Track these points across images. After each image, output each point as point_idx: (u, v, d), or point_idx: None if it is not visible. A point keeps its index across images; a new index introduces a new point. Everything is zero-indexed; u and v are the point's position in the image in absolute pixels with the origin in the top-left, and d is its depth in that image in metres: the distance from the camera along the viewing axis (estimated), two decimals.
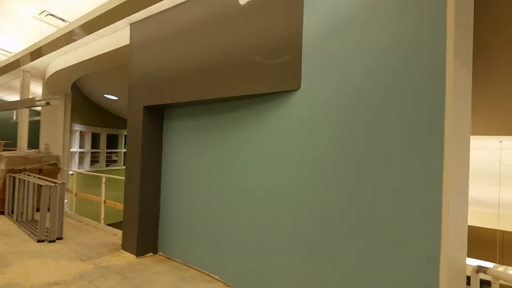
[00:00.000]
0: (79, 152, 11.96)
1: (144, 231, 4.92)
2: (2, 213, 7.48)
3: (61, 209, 5.67)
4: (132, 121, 5.05)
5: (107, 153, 13.67)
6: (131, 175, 5.01)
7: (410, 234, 2.48)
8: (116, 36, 5.57)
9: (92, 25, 4.42)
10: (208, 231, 4.24)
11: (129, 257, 4.86)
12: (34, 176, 7.06)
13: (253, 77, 3.48)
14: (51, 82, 8.63)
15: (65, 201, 9.16)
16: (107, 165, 13.62)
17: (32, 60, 6.37)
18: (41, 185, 5.61)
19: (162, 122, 5.05)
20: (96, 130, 13.02)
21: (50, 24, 5.68)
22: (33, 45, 5.70)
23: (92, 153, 13.12)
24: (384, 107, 2.66)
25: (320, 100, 3.07)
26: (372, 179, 2.71)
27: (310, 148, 3.13)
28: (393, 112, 2.61)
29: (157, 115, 5.00)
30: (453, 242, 2.32)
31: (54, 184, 5.58)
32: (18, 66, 6.79)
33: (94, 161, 13.67)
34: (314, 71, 3.12)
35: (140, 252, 4.88)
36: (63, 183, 5.81)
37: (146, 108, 4.88)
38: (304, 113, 3.19)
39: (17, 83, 10.32)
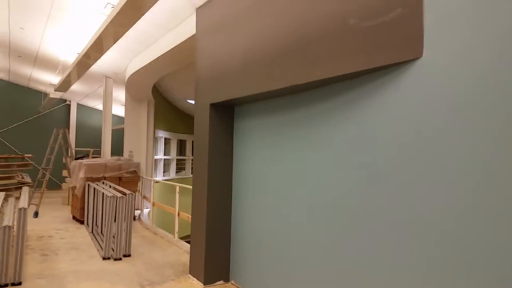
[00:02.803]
0: (164, 159, 12.00)
1: (213, 254, 4.16)
2: (83, 222, 7.48)
3: (129, 223, 5.24)
4: (198, 123, 4.36)
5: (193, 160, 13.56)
6: (197, 187, 4.31)
7: None
8: (184, 27, 4.99)
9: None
10: (293, 258, 3.29)
11: (196, 285, 4.14)
12: (110, 186, 6.88)
13: (345, 51, 2.46)
14: (131, 87, 8.59)
15: (147, 210, 9.06)
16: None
17: (97, 55, 6.06)
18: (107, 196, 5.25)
19: (233, 122, 4.26)
20: (182, 137, 13.01)
21: None
22: (93, 36, 5.38)
23: (177, 160, 13.15)
24: None
25: (459, 74, 1.93)
26: None
27: (454, 151, 1.99)
28: None
29: (226, 114, 4.22)
30: None
31: (121, 195, 5.17)
32: (88, 64, 6.62)
33: (181, 168, 13.73)
34: (447, 28, 1.98)
35: (208, 279, 4.13)
36: (132, 194, 5.39)
37: (213, 106, 4.14)
38: (433, 96, 2.06)
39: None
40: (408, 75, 2.17)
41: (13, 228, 3.99)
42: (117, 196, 5.12)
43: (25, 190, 5.90)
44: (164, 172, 12.17)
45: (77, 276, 4.29)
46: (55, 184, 14.19)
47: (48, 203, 10.51)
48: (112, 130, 12.76)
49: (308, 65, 2.69)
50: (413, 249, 2.14)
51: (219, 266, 4.21)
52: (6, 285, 3.83)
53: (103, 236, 6.07)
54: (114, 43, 5.21)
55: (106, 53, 7.39)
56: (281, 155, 3.44)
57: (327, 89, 2.87)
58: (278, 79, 3.04)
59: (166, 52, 5.63)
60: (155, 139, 10.88)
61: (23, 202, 4.50)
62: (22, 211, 4.03)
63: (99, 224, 6.42)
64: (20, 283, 3.92)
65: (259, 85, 3.30)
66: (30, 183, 10.53)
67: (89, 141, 15.54)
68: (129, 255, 5.24)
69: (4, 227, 3.81)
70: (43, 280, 4.14)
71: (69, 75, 7.20)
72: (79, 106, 15.99)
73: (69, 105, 15.67)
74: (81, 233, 6.68)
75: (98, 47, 5.40)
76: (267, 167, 3.65)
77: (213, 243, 4.16)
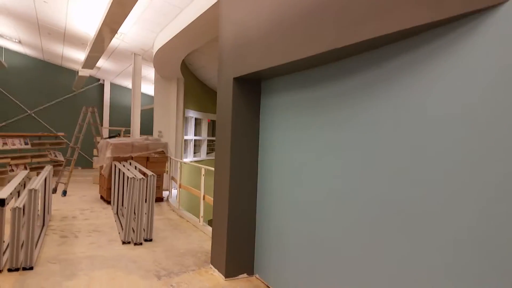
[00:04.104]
0: (194, 140, 11.77)
1: (235, 245, 3.80)
2: (109, 202, 7.38)
3: (150, 206, 4.98)
4: (221, 100, 3.95)
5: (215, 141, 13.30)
6: (220, 170, 3.93)
7: None
8: None
9: None
10: (324, 257, 2.85)
11: (217, 277, 3.81)
12: (135, 167, 6.67)
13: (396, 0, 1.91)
14: (158, 63, 8.29)
15: (174, 190, 8.88)
16: None
17: (117, 24, 5.68)
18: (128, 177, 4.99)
19: (259, 99, 3.81)
20: (213, 117, 12.70)
21: None
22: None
23: (208, 141, 12.91)
24: None
25: None
26: None
27: None
28: None
29: (251, 90, 3.77)
30: None
31: (141, 177, 4.90)
32: (109, 35, 6.28)
33: (213, 148, 13.48)
34: None
35: (230, 272, 3.79)
36: (153, 175, 5.11)
37: (237, 81, 3.69)
38: None
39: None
40: (486, 27, 1.61)
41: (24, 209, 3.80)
42: (137, 178, 4.85)
43: (47, 169, 5.78)
44: (194, 153, 11.97)
45: (92, 262, 4.07)
46: (89, 163, 14.42)
47: (79, 182, 10.62)
48: (143, 109, 12.70)
49: (354, 22, 2.16)
50: (471, 257, 1.63)
51: (242, 258, 3.84)
52: (17, 269, 3.66)
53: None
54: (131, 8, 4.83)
55: (131, 28, 7.10)
56: (314, 135, 2.96)
57: (377, 52, 2.34)
58: (314, 43, 2.53)
59: (192, 22, 5.21)
60: (185, 119, 10.63)
61: (36, 182, 4.31)
62: (33, 193, 3.82)
63: (123, 205, 6.25)
64: (31, 268, 3.75)
65: (290, 52, 2.80)
66: (63, 161, 10.65)
67: (123, 121, 15.62)
68: (151, 240, 5.00)
69: (14, 208, 3.61)
70: (56, 265, 3.95)
71: (93, 49, 6.98)
72: (113, 85, 16.05)
73: (103, 84, 15.76)
74: (106, 214, 6.55)
75: (116, 12, 5.04)
76: (298, 152, 3.18)
77: (236, 233, 3.79)
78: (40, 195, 4.16)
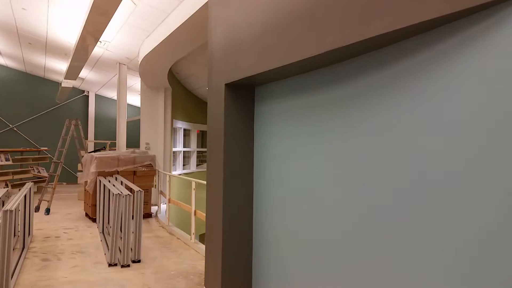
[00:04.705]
0: (183, 151, 11.46)
1: (231, 266, 3.51)
2: (95, 220, 7.03)
3: (137, 225, 4.67)
4: (212, 108, 3.70)
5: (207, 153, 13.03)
6: (212, 186, 3.66)
7: None
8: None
9: None
10: (333, 278, 2.59)
11: None
12: (121, 182, 6.35)
13: None
14: (144, 73, 8.03)
15: (165, 206, 8.55)
16: None
17: (98, 32, 5.40)
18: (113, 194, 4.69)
19: (253, 106, 3.57)
20: (203, 127, 12.41)
21: None
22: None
23: (198, 152, 12.61)
24: None
25: None
26: None
27: None
28: None
29: (245, 97, 3.53)
30: None
31: (127, 193, 4.60)
32: (91, 42, 5.98)
33: (203, 160, 13.13)
34: None
35: None
36: (140, 191, 4.82)
37: (229, 87, 3.44)
38: None
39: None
40: None
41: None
42: (123, 194, 4.55)
43: (26, 186, 5.44)
44: (184, 165, 11.66)
45: None
46: (74, 178, 13.99)
47: (63, 198, 10.22)
48: (130, 121, 12.36)
49: (359, 18, 1.94)
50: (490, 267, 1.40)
51: (239, 280, 3.56)
52: None
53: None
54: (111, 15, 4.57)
55: (115, 35, 6.84)
56: (315, 145, 2.72)
57: (381, 52, 2.11)
58: (314, 43, 2.30)
59: (179, 27, 4.96)
60: (174, 130, 10.33)
61: (13, 202, 3.99)
62: (8, 214, 3.50)
63: (109, 223, 5.92)
64: None
65: (287, 54, 2.57)
66: (46, 176, 10.25)
67: (109, 133, 15.24)
68: (139, 261, 4.69)
69: None
70: None
71: (74, 58, 6.69)
72: (98, 97, 15.70)
73: (87, 96, 15.40)
74: (91, 233, 6.20)
75: (97, 19, 4.78)
76: (297, 160, 2.94)
77: (232, 252, 3.50)
78: (15, 216, 3.83)
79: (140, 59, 7.37)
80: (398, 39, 1.93)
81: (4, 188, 7.27)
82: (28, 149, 12.01)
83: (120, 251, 4.61)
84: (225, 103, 3.42)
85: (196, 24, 4.83)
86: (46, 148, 12.46)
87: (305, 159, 2.81)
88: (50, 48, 9.11)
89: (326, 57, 2.33)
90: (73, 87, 11.96)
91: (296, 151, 2.93)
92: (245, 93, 3.51)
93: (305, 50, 2.35)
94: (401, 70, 1.96)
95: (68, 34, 7.60)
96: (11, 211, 3.53)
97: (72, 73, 8.15)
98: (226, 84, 3.41)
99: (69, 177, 14.11)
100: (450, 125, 1.68)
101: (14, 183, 10.36)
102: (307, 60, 2.41)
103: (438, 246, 1.75)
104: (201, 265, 4.56)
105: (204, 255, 3.86)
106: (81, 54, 6.49)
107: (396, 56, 2.01)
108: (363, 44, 1.99)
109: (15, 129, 13.74)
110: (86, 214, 7.68)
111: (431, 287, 1.78)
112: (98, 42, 6.17)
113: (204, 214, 4.89)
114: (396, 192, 1.99)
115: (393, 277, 2.01)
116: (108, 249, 4.76)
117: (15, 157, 10.78)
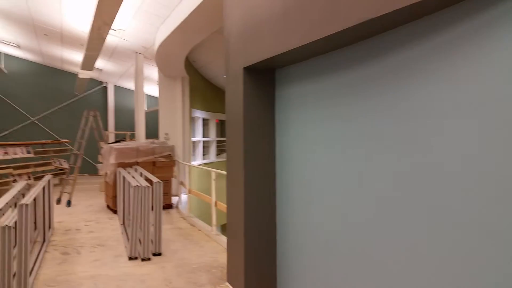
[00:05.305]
0: (203, 141, 11.34)
1: (254, 261, 3.35)
2: (116, 212, 7.00)
3: (158, 217, 4.57)
4: (230, 95, 3.51)
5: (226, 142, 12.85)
6: (232, 174, 3.49)
7: None
8: None
9: None
10: (363, 276, 2.40)
11: None
12: (141, 173, 6.27)
13: None
14: (161, 61, 7.89)
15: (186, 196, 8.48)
16: None
17: (110, 17, 5.24)
18: (132, 185, 4.59)
19: (274, 90, 3.35)
20: (222, 116, 12.25)
21: None
22: None
23: (218, 142, 12.48)
24: None
25: None
26: None
27: None
28: None
29: (264, 80, 3.31)
30: None
31: (146, 184, 4.48)
32: (104, 30, 5.82)
33: (222, 150, 13.01)
34: None
35: None
36: (159, 182, 4.70)
37: (248, 71, 3.24)
38: None
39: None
40: None
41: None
42: (142, 186, 4.44)
43: (45, 179, 5.41)
44: (204, 155, 11.55)
45: (95, 284, 3.68)
46: (96, 170, 14.13)
47: (85, 190, 10.31)
48: (148, 111, 12.33)
49: None
50: None
51: (263, 276, 3.39)
52: None
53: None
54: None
55: (130, 22, 6.69)
56: (343, 131, 2.50)
57: (418, 24, 1.86)
58: (341, 17, 2.06)
59: (193, 10, 4.77)
60: (192, 120, 10.21)
61: (30, 195, 3.92)
62: (24, 208, 3.42)
63: (129, 216, 5.86)
64: None
65: (311, 31, 2.34)
66: (67, 169, 10.34)
67: (129, 124, 15.28)
68: (160, 254, 4.60)
69: (3, 227, 3.22)
70: None
71: (89, 47, 6.60)
72: (116, 88, 15.74)
73: (106, 87, 15.45)
74: (112, 225, 6.17)
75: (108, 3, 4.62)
76: (324, 149, 2.72)
77: (254, 247, 3.34)
78: (32, 210, 3.77)
79: (156, 47, 7.23)
80: (432, 10, 1.68)
81: (26, 180, 7.34)
82: (49, 141, 12.15)
83: (140, 243, 4.52)
84: (244, 87, 3.23)
85: (211, 7, 4.62)
86: (67, 140, 12.58)
87: (333, 145, 2.59)
88: (65, 38, 9.08)
89: (354, 32, 2.09)
90: (91, 78, 11.98)
91: (323, 137, 2.71)
92: (265, 77, 3.30)
93: (333, 24, 2.12)
94: (439, 43, 1.71)
95: (82, 23, 7.51)
96: (26, 205, 3.45)
97: (88, 63, 8.09)
98: (244, 68, 3.21)
99: (91, 169, 14.25)
100: (483, 108, 1.43)
101: (37, 175, 10.50)
102: (336, 35, 2.17)
103: (459, 231, 1.54)
104: (223, 257, 4.43)
105: (226, 247, 3.73)
106: (95, 43, 6.39)
107: (429, 31, 1.76)
108: (398, 13, 1.75)
109: (36, 121, 13.93)
110: (107, 206, 7.68)
111: (451, 271, 1.56)
112: (112, 30, 6.03)
113: (225, 205, 4.75)
114: (427, 179, 1.76)
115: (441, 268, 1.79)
116: (129, 242, 4.69)
117: (37, 149, 10.90)
